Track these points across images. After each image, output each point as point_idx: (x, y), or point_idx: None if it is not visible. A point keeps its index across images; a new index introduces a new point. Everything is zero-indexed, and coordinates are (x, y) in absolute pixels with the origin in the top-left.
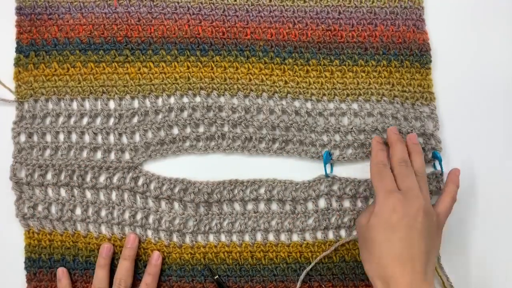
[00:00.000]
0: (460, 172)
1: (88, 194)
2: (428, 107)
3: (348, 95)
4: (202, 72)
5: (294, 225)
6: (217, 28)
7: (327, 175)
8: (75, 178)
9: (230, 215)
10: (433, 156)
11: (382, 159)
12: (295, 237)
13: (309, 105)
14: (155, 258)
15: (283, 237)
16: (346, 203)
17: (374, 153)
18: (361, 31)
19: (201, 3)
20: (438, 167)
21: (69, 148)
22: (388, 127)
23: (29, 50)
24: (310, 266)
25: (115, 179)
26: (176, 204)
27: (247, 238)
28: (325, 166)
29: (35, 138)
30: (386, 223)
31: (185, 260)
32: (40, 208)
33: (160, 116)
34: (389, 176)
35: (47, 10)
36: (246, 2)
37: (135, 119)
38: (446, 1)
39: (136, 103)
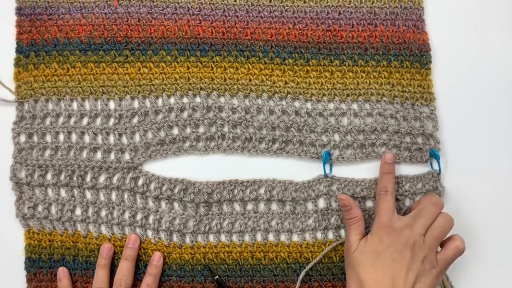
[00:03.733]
0: (459, 172)
1: (88, 194)
2: (428, 108)
3: (348, 95)
4: (202, 73)
5: (294, 225)
6: (217, 29)
7: (326, 175)
8: (75, 178)
9: (230, 215)
10: (431, 154)
11: (385, 184)
12: (295, 237)
13: (309, 105)
14: (156, 259)
15: (283, 237)
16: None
17: (380, 175)
18: (361, 32)
19: (201, 3)
20: (436, 166)
21: (69, 149)
22: (387, 127)
23: (29, 51)
24: (309, 266)
25: (115, 180)
26: (176, 204)
27: (247, 238)
28: (324, 166)
29: (35, 138)
30: (373, 250)
31: (185, 260)
32: (40, 208)
33: (160, 117)
34: (387, 204)
35: (47, 11)
36: (246, 2)
37: (135, 120)
38: (446, 2)
39: (136, 104)
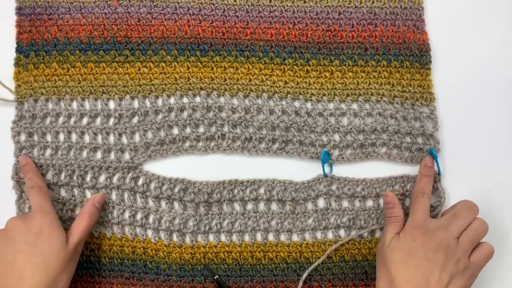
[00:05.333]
0: (459, 172)
1: (88, 194)
2: (428, 108)
3: (348, 95)
4: (202, 73)
5: (294, 225)
6: (217, 29)
7: (325, 175)
8: (75, 178)
9: (230, 215)
10: (430, 154)
11: (423, 186)
12: (295, 237)
13: (309, 105)
14: (22, 160)
15: (283, 237)
16: (345, 203)
17: (419, 177)
18: (361, 32)
19: (201, 3)
20: (435, 167)
21: (69, 148)
22: (387, 127)
23: (29, 50)
24: (312, 267)
25: (115, 179)
26: (176, 204)
27: (247, 238)
28: (323, 166)
29: (35, 138)
30: (405, 248)
31: (185, 260)
32: None
33: (160, 116)
34: (423, 205)
35: (47, 10)
36: (246, 2)
37: (135, 119)
38: (446, 1)
39: (136, 103)
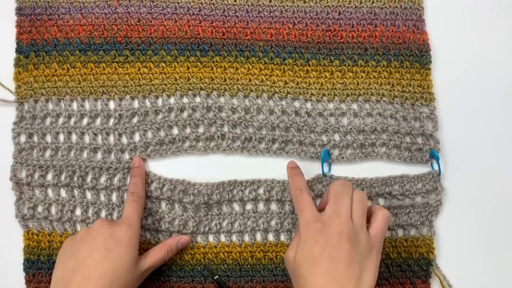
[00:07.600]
0: (459, 172)
1: (89, 194)
2: (428, 108)
3: (348, 95)
4: (202, 73)
5: (294, 225)
6: (217, 29)
7: (324, 174)
8: (75, 178)
9: (229, 215)
10: (431, 155)
11: (298, 184)
12: None
13: (308, 105)
14: (137, 162)
15: (282, 237)
16: None
17: (290, 180)
18: (361, 32)
19: (201, 3)
20: (436, 167)
21: (69, 149)
22: (387, 127)
23: (29, 51)
24: None
25: (115, 180)
26: (176, 205)
27: (246, 238)
28: (322, 164)
29: (35, 138)
30: (309, 257)
31: (185, 261)
32: (40, 209)
33: (160, 117)
34: (306, 201)
35: (47, 11)
36: (246, 2)
37: (135, 119)
38: (446, 1)
39: (136, 104)
